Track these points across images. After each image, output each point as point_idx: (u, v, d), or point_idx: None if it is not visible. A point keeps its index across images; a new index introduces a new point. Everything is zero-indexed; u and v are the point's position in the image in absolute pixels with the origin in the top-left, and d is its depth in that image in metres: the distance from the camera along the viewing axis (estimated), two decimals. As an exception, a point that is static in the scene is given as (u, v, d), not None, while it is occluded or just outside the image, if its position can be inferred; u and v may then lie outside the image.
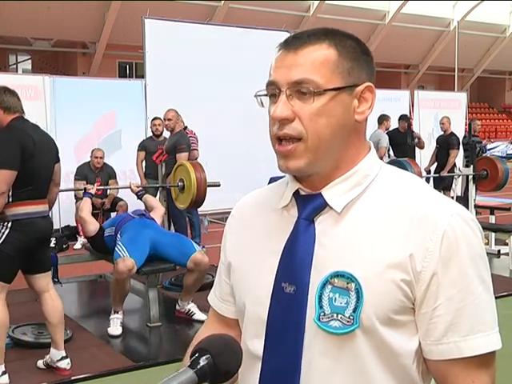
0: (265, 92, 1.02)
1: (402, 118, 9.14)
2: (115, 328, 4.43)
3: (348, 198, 1.01)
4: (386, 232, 0.98)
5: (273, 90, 1.00)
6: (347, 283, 0.96)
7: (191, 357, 0.85)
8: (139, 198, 5.29)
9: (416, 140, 9.03)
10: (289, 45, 1.00)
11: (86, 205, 4.96)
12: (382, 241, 0.97)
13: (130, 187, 5.34)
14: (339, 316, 0.96)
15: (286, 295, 1.00)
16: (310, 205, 1.03)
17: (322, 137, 0.98)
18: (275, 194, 1.10)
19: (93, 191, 5.12)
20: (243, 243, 1.12)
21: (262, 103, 1.04)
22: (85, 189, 5.19)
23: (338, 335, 0.97)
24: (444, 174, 8.77)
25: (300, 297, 0.99)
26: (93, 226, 4.89)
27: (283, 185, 1.09)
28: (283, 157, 1.00)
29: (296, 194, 1.05)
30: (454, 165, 9.17)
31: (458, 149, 9.15)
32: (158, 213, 5.12)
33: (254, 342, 1.06)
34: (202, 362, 0.83)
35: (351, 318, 0.96)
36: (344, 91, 0.99)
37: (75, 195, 7.28)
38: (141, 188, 5.38)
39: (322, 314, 0.97)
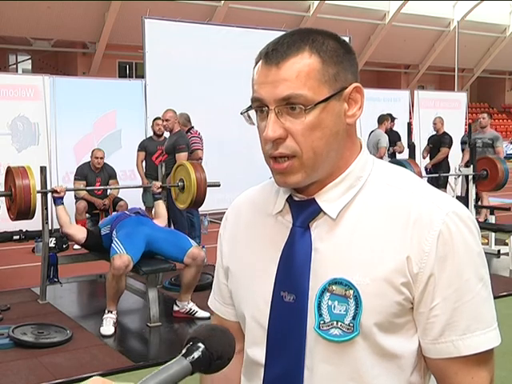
0: (250, 108, 1.00)
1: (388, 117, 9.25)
2: (107, 328, 4.42)
3: (342, 203, 1.00)
4: (382, 235, 0.97)
5: (259, 108, 0.98)
6: (345, 290, 0.96)
7: (184, 347, 0.84)
8: (155, 199, 5.34)
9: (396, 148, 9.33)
10: (270, 58, 0.96)
11: (63, 217, 4.91)
12: (379, 245, 0.96)
13: (152, 186, 5.41)
14: (339, 324, 0.96)
15: (286, 304, 1.00)
16: (304, 212, 1.02)
17: (317, 150, 0.96)
18: (268, 197, 1.09)
19: (62, 193, 5.00)
20: (239, 248, 1.11)
21: (249, 118, 1.01)
22: (53, 195, 5.00)
23: (338, 343, 0.96)
24: (429, 166, 8.95)
25: (300, 305, 0.99)
26: (80, 234, 4.93)
27: (276, 185, 1.07)
28: (280, 173, 0.99)
29: (289, 198, 1.04)
30: (448, 164, 9.25)
31: (449, 147, 9.24)
32: (159, 223, 5.13)
33: (254, 350, 1.06)
34: (195, 349, 0.83)
35: (351, 325, 0.95)
36: (333, 98, 0.96)
37: (75, 195, 7.29)
38: (160, 191, 5.41)
39: (322, 322, 0.97)
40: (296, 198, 1.03)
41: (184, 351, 0.83)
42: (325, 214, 1.00)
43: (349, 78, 0.98)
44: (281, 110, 0.95)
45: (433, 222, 0.95)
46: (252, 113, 1.01)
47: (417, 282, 0.95)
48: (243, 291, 1.08)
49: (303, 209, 1.02)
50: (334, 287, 0.97)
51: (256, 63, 0.99)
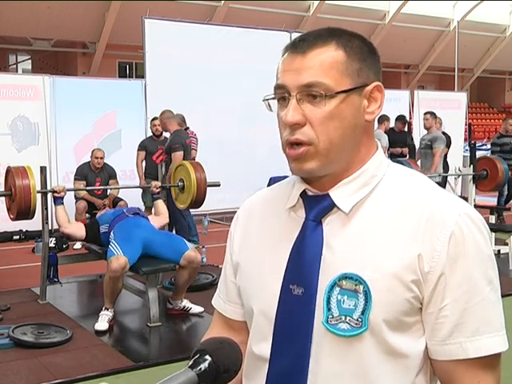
0: (273, 96, 1.01)
1: (398, 118, 9.23)
2: (102, 324, 4.45)
3: (356, 199, 1.01)
4: (394, 233, 0.97)
5: (282, 94, 0.99)
6: (355, 285, 0.96)
7: (191, 359, 0.85)
8: (154, 199, 5.36)
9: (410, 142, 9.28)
10: (296, 47, 0.99)
11: (62, 217, 4.92)
12: (390, 242, 0.97)
13: (151, 186, 5.40)
14: (347, 318, 0.96)
15: (294, 297, 1.00)
16: (317, 206, 1.02)
17: (334, 140, 0.97)
18: (282, 195, 1.10)
19: (63, 193, 5.01)
20: (251, 244, 1.12)
21: (270, 107, 1.03)
22: (53, 195, 5.00)
23: (346, 337, 0.96)
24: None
25: (308, 299, 0.99)
26: (79, 232, 4.98)
27: (290, 185, 1.09)
28: (295, 160, 1.00)
29: (303, 194, 1.05)
30: (447, 164, 9.26)
31: (448, 147, 9.25)
32: (160, 221, 5.14)
33: (260, 345, 1.06)
34: (202, 361, 0.83)
35: (359, 320, 0.96)
36: (354, 92, 0.98)
37: (75, 195, 7.29)
38: (159, 191, 5.41)
39: (331, 316, 0.97)
40: (310, 193, 1.04)
41: (191, 363, 0.84)
42: (338, 209, 1.01)
43: (371, 76, 1.01)
44: (302, 97, 0.97)
45: (445, 222, 0.96)
46: (273, 102, 1.02)
47: (427, 280, 0.95)
48: (253, 286, 1.08)
49: (317, 203, 1.03)
50: (344, 282, 0.97)
51: (282, 55, 1.02)
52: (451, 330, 0.96)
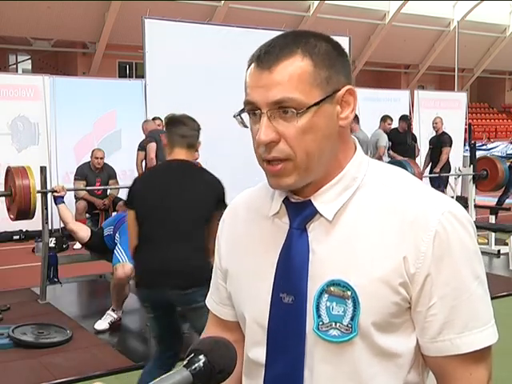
0: (243, 110, 1.00)
1: (402, 118, 9.19)
2: (103, 323, 4.47)
3: (338, 204, 1.00)
4: (379, 236, 0.97)
5: (252, 111, 0.98)
6: (343, 292, 0.96)
7: (186, 358, 0.85)
8: None
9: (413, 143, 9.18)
10: (262, 61, 0.96)
11: (66, 214, 4.95)
12: (375, 246, 0.97)
13: None
14: (337, 324, 0.97)
15: (285, 305, 1.01)
16: (300, 213, 1.02)
17: (310, 153, 0.96)
18: (265, 198, 1.09)
19: (63, 193, 5.04)
20: (238, 251, 1.12)
21: (242, 121, 1.01)
22: (53, 194, 5.04)
23: (337, 343, 0.97)
24: (437, 170, 8.87)
25: (299, 306, 0.99)
26: (83, 232, 4.95)
27: (271, 188, 1.08)
28: (273, 176, 0.99)
29: (285, 200, 1.04)
30: (449, 164, 9.22)
31: (450, 146, 9.22)
32: None
33: (255, 350, 1.07)
34: (197, 361, 0.83)
35: (349, 326, 0.96)
36: (325, 102, 0.96)
37: (75, 195, 7.29)
38: None
39: (321, 323, 0.97)
40: (292, 200, 1.03)
41: (186, 362, 0.84)
42: (321, 215, 1.00)
43: (341, 80, 0.98)
44: (273, 114, 0.95)
45: (429, 223, 0.96)
46: (245, 115, 1.01)
47: (414, 282, 0.96)
48: (243, 293, 1.09)
49: (300, 210, 1.02)
50: (332, 288, 0.97)
51: (248, 66, 1.00)
52: (440, 327, 0.96)
